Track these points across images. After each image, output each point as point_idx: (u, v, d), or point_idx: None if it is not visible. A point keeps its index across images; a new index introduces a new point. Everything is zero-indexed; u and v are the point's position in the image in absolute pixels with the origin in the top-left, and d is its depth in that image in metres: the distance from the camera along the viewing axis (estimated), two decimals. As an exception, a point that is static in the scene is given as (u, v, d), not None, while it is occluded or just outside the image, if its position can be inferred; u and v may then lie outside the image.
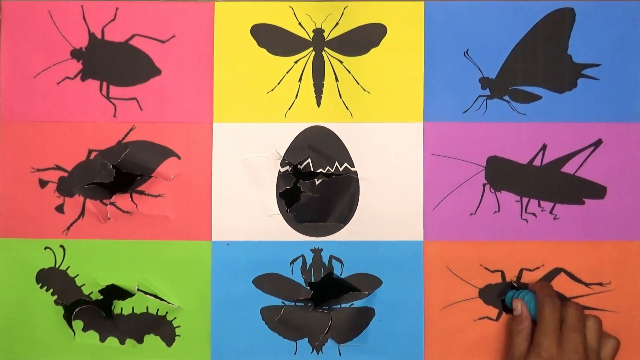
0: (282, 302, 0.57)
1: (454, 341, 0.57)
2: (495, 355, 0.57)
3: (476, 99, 0.57)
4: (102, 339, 0.57)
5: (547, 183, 0.57)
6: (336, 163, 0.57)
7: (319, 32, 0.58)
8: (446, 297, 0.57)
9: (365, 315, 0.57)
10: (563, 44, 0.58)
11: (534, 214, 0.57)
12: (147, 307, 0.57)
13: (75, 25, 0.58)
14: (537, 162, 0.57)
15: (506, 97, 0.57)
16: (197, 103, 0.57)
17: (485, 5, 0.58)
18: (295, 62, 0.58)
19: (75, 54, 0.58)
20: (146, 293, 0.57)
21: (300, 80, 0.57)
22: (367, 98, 0.57)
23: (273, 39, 0.58)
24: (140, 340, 0.57)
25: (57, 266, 0.57)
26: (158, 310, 0.57)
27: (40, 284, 0.57)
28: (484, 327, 0.57)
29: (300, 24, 0.58)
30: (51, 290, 0.57)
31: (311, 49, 0.58)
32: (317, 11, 0.57)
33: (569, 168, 0.57)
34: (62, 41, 0.58)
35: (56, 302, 0.57)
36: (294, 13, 0.58)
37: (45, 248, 0.57)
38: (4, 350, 0.57)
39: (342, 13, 0.57)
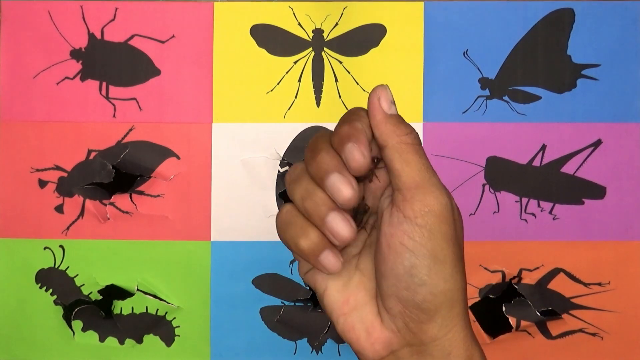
0: (282, 302, 0.57)
1: (453, 341, 0.57)
2: (495, 355, 0.57)
3: (475, 99, 0.57)
4: (102, 339, 0.57)
5: (547, 183, 0.57)
6: (336, 163, 0.57)
7: (318, 32, 0.58)
8: (445, 297, 0.57)
9: (364, 316, 0.57)
10: (563, 44, 0.58)
11: (533, 214, 0.57)
12: (147, 307, 0.57)
13: (74, 25, 0.58)
14: (536, 163, 0.57)
15: (506, 98, 0.57)
16: (197, 103, 0.57)
17: (485, 6, 0.58)
18: (295, 63, 0.58)
19: (75, 54, 0.58)
20: (146, 293, 0.57)
21: (299, 80, 0.57)
22: (367, 98, 0.57)
23: (272, 39, 0.58)
24: (139, 340, 0.57)
25: (56, 266, 0.57)
26: (157, 310, 0.57)
27: (39, 284, 0.57)
28: (484, 327, 0.57)
29: (299, 24, 0.58)
30: (50, 290, 0.57)
31: (311, 49, 0.58)
32: (316, 11, 0.57)
33: (568, 168, 0.57)
34: (61, 41, 0.58)
35: (55, 302, 0.57)
36: (294, 13, 0.58)
37: (45, 248, 0.57)
38: (3, 350, 0.57)
39: (342, 13, 0.57)
